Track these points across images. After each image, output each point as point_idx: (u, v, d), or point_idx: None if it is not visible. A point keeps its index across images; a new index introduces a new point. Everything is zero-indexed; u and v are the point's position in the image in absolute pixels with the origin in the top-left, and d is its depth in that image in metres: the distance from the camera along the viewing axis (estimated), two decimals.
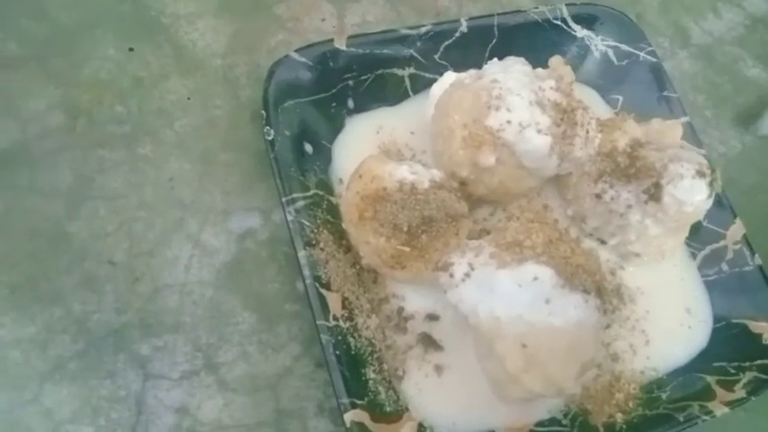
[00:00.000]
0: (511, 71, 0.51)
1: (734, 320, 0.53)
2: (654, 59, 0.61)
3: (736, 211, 0.56)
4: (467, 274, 0.45)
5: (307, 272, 0.46)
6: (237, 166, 0.54)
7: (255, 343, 0.49)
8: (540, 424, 0.48)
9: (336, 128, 0.55)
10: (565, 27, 0.60)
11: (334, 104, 0.55)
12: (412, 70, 0.57)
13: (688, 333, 0.53)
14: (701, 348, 0.53)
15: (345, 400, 0.43)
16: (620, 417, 0.48)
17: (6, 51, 0.55)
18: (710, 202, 0.50)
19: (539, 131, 0.48)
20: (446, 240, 0.47)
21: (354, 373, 0.45)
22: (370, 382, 0.46)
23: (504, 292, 0.43)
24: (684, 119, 0.58)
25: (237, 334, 0.49)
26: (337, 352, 0.44)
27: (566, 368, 0.43)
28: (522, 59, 0.53)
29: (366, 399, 0.44)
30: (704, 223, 0.55)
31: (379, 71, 0.56)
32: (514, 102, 0.48)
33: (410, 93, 0.57)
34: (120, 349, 0.47)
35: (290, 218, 0.48)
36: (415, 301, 0.50)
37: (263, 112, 0.50)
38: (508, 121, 0.48)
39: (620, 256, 0.54)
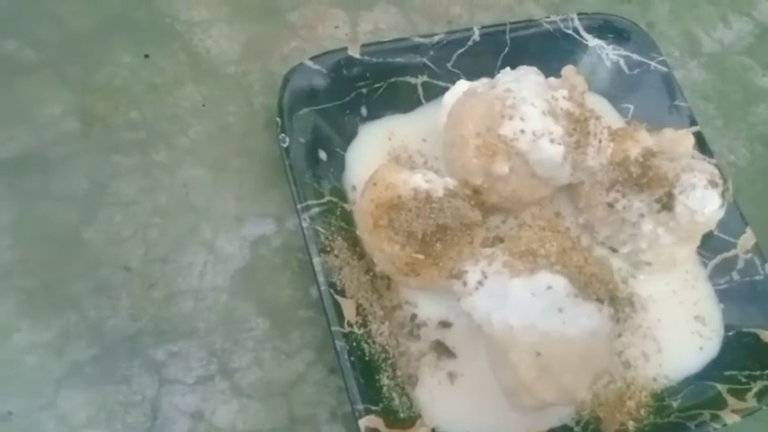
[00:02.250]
0: (524, 80, 0.51)
1: (745, 329, 0.53)
2: (664, 69, 0.61)
3: (746, 220, 0.56)
4: (480, 282, 0.45)
5: (322, 278, 0.46)
6: (251, 173, 0.54)
7: (269, 349, 0.49)
8: (552, 431, 0.48)
9: (350, 135, 0.55)
10: (576, 36, 0.60)
11: (347, 112, 0.55)
12: (425, 78, 0.57)
13: (699, 341, 0.53)
14: (712, 357, 0.53)
15: (360, 406, 0.43)
16: (631, 425, 0.48)
17: (22, 58, 0.55)
18: (723, 211, 0.50)
19: (552, 141, 0.48)
20: (460, 248, 0.48)
21: (369, 379, 0.45)
22: (384, 388, 0.46)
23: (517, 301, 0.43)
24: (695, 128, 0.58)
25: (251, 340, 0.49)
26: (352, 358, 0.45)
27: (579, 377, 0.43)
28: (534, 69, 0.53)
29: (380, 405, 0.44)
30: (715, 232, 0.55)
31: (393, 79, 0.56)
32: (528, 111, 0.48)
33: (423, 101, 0.57)
34: (135, 355, 0.47)
35: (304, 224, 0.48)
36: (427, 308, 0.50)
37: (278, 119, 0.51)
38: (522, 131, 0.48)
39: (632, 265, 0.54)
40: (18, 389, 0.45)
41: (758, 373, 0.51)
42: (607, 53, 0.61)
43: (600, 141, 0.51)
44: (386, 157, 0.54)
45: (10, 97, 0.53)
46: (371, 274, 0.50)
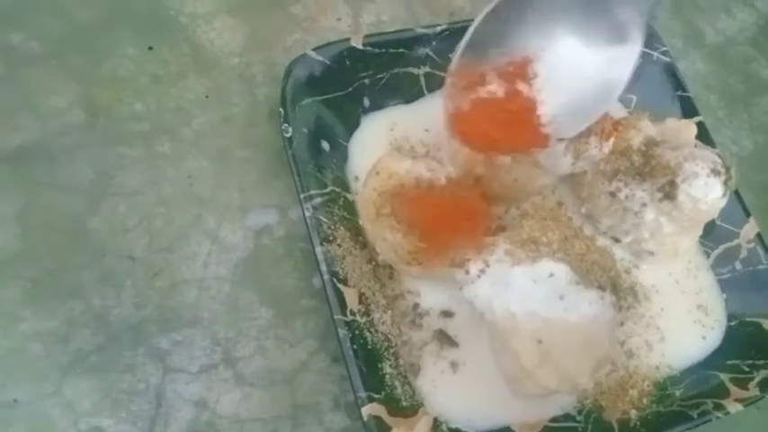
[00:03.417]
0: None
1: (748, 319, 0.53)
2: (667, 59, 0.61)
3: (749, 211, 0.56)
4: (482, 271, 0.45)
5: (324, 267, 0.47)
6: (254, 164, 0.55)
7: (272, 338, 0.49)
8: (554, 420, 0.48)
9: (352, 126, 0.55)
10: None
11: (350, 103, 0.55)
12: (427, 69, 0.57)
13: (702, 331, 0.53)
14: (714, 346, 0.53)
15: (363, 394, 0.44)
16: (633, 413, 0.48)
17: (27, 49, 0.55)
18: (725, 200, 0.50)
19: None
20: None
21: (371, 367, 0.45)
22: (387, 376, 0.46)
23: (519, 288, 0.44)
24: (698, 118, 0.58)
25: (255, 329, 0.49)
26: (354, 346, 0.45)
27: (580, 364, 0.44)
28: None
29: (383, 393, 0.45)
30: (718, 222, 0.55)
31: (395, 70, 0.56)
32: None
33: (425, 91, 0.57)
34: (140, 343, 0.47)
35: (307, 214, 0.48)
36: (430, 297, 0.50)
37: (281, 109, 0.51)
38: None
39: (634, 255, 0.54)
40: (23, 377, 0.45)
41: (761, 362, 0.51)
42: None
43: (602, 130, 0.51)
44: (388, 147, 0.54)
45: (15, 88, 0.54)
46: (374, 263, 0.50)
